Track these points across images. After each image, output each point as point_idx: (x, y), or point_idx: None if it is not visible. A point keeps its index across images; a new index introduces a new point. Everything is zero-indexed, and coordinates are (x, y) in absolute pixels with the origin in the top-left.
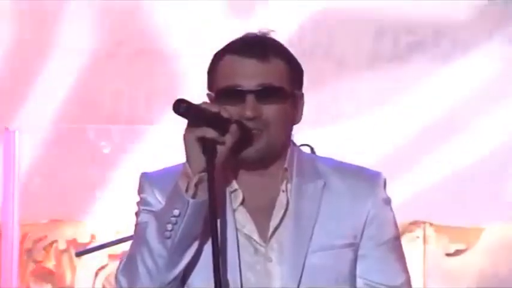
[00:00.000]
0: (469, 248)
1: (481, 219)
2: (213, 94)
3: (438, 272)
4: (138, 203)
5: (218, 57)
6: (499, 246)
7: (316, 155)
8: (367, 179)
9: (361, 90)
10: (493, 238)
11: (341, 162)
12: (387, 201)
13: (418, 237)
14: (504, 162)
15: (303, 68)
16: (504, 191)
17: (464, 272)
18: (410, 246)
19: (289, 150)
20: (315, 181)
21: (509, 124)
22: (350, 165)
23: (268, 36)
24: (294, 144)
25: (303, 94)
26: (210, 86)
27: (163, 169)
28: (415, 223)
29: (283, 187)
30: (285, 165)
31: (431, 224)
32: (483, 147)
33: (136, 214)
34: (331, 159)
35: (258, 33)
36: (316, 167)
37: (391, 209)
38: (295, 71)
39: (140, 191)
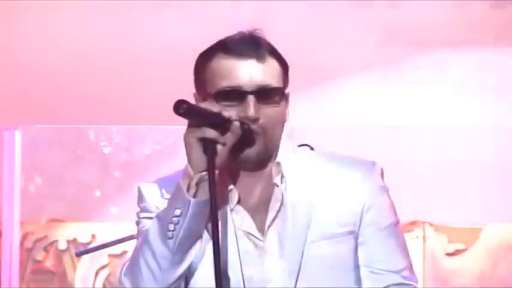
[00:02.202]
0: (468, 248)
1: (480, 219)
2: (209, 94)
3: (437, 271)
4: (138, 213)
5: (208, 57)
6: (498, 246)
7: (309, 149)
8: (362, 168)
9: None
10: (492, 238)
11: (335, 154)
12: (384, 189)
13: (417, 237)
14: (504, 162)
15: None
16: (504, 191)
17: (464, 271)
18: (410, 246)
19: (281, 144)
20: (310, 172)
21: (508, 122)
22: (344, 155)
23: (258, 35)
24: (284, 136)
25: (288, 93)
26: (201, 88)
27: (160, 178)
28: (414, 223)
29: (277, 181)
30: (278, 159)
31: (430, 224)
32: (483, 146)
33: (137, 223)
34: (325, 151)
35: (248, 32)
36: (310, 159)
37: (388, 196)
38: (285, 70)
39: (139, 200)
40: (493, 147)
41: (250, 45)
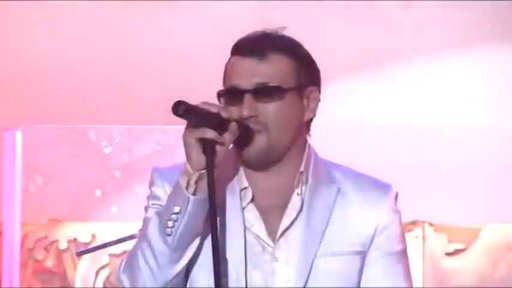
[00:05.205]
0: (468, 248)
1: (480, 219)
2: None
3: (437, 271)
4: (148, 197)
5: (229, 58)
6: (498, 246)
7: (331, 162)
8: (380, 190)
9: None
10: (491, 238)
11: (355, 171)
12: (397, 214)
13: (417, 236)
14: (504, 162)
15: None
16: (504, 191)
17: (463, 271)
18: (410, 246)
19: (305, 153)
20: (329, 186)
21: (508, 122)
22: (363, 174)
23: (272, 32)
24: (310, 146)
25: (315, 89)
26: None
27: (174, 164)
28: (414, 223)
29: (298, 190)
30: (301, 169)
31: (430, 224)
32: (483, 146)
33: (146, 208)
34: (345, 167)
35: (262, 31)
36: (331, 173)
37: (400, 221)
38: (302, 66)
39: (151, 184)
40: (492, 147)
41: (252, 44)
